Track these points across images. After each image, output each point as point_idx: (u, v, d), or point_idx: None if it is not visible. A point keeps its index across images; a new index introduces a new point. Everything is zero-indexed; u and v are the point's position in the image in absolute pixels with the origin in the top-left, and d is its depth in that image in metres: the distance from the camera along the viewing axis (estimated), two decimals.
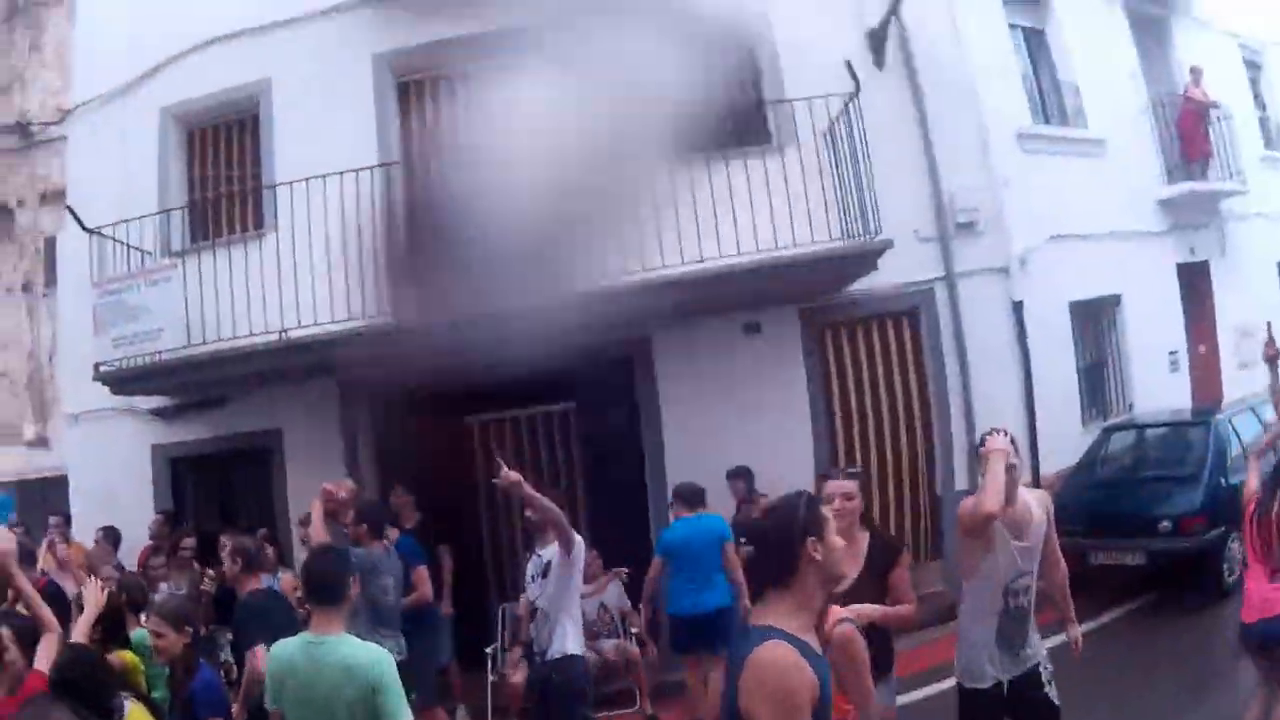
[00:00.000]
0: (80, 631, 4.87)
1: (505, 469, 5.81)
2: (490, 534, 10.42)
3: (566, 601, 6.04)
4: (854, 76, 8.74)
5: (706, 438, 9.50)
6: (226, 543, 7.54)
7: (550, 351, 9.01)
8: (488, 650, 8.74)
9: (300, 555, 8.13)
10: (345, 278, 8.95)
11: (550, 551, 6.05)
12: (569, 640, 5.99)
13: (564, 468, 10.48)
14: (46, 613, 4.79)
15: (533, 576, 6.25)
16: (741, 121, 9.90)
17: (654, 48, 8.70)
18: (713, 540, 7.77)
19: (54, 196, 11.86)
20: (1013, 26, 11.55)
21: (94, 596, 5.17)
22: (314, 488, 8.61)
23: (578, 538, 5.99)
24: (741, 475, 8.90)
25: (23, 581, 4.98)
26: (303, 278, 8.97)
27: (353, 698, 3.74)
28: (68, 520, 9.84)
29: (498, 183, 9.48)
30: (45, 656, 4.38)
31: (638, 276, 8.42)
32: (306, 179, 9.02)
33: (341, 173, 8.95)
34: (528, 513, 6.08)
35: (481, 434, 10.52)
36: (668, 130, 8.99)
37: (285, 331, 9.03)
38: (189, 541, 8.65)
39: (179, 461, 10.66)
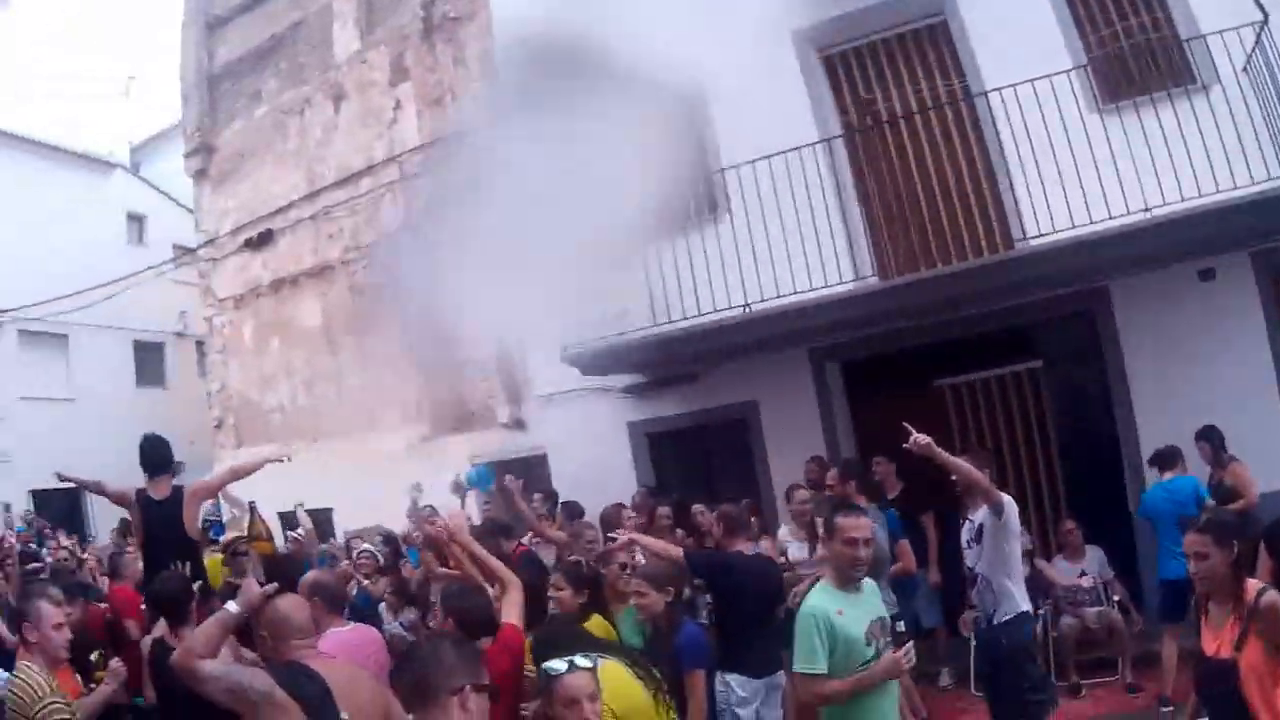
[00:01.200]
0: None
1: (915, 434, 5.77)
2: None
3: (1003, 564, 6.08)
4: (1260, 6, 8.38)
5: (1171, 392, 9.37)
6: (701, 509, 8.41)
7: (1011, 308, 9.63)
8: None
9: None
10: (804, 251, 9.51)
11: (981, 515, 6.17)
12: (1014, 600, 6.05)
13: (1037, 428, 10.49)
14: (502, 569, 5.36)
15: (968, 542, 6.40)
16: (1162, 64, 9.57)
17: None
18: (1180, 505, 7.75)
19: None
20: None
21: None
22: (793, 457, 8.96)
23: (1005, 498, 6.01)
24: (1207, 437, 8.68)
25: (469, 541, 5.62)
26: (761, 254, 9.73)
27: None
28: (549, 498, 10.35)
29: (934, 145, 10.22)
30: (514, 608, 4.98)
31: (1089, 228, 8.38)
32: (752, 161, 9.73)
33: (786, 152, 9.59)
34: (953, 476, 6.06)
35: (953, 396, 10.78)
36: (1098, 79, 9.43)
37: (749, 305, 9.73)
38: (664, 510, 9.44)
39: (656, 436, 11.78)
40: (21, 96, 24.32)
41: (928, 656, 8.68)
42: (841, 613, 4.61)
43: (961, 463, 5.94)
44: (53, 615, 5.07)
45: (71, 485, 9.04)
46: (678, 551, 6.82)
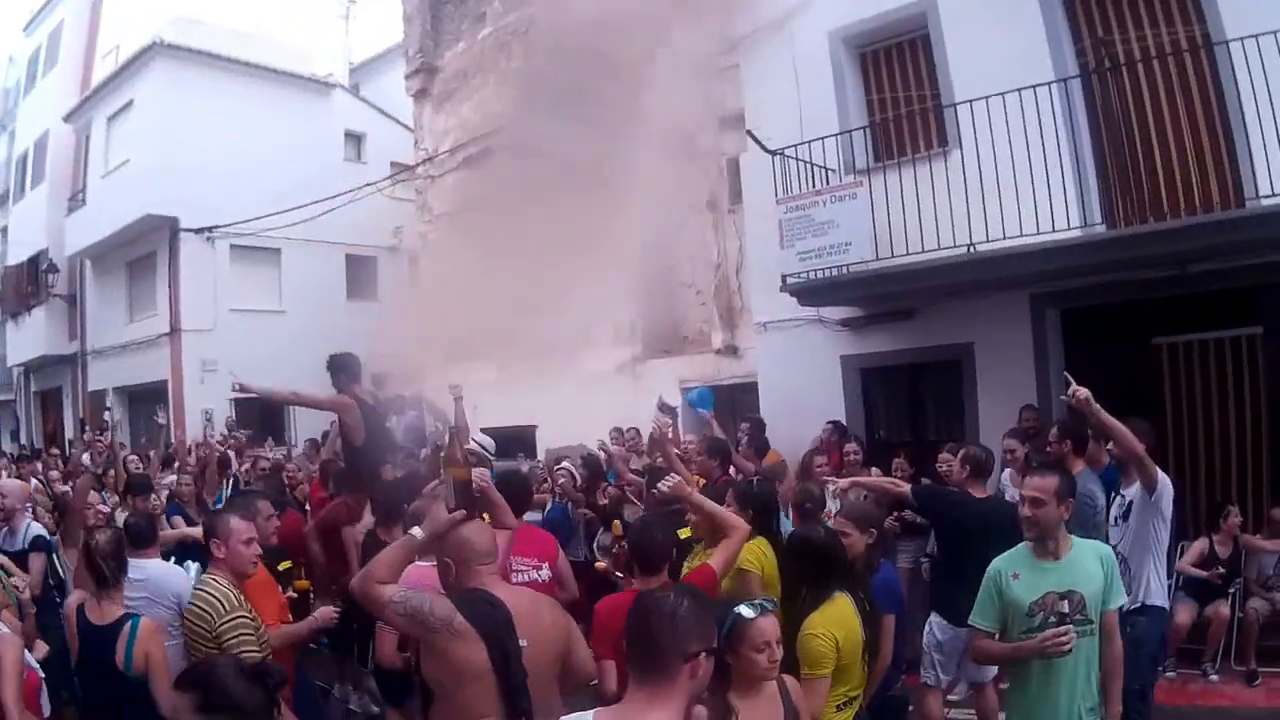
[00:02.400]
0: None
1: (1075, 385, 5.63)
2: (1175, 463, 10.12)
3: (1148, 547, 5.86)
4: None
5: None
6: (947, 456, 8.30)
7: (1237, 268, 9.32)
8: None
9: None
10: (1033, 193, 9.49)
11: (1133, 491, 5.94)
12: (1151, 592, 5.87)
13: (1250, 398, 10.07)
14: (728, 517, 5.45)
15: (1115, 519, 6.15)
16: None
17: None
18: None
19: (731, 120, 12.78)
20: None
21: None
22: (1006, 402, 8.94)
23: (1162, 476, 5.76)
24: None
25: (701, 501, 5.55)
26: (989, 193, 9.69)
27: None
28: (756, 425, 10.61)
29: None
30: (726, 552, 5.19)
31: None
32: (985, 97, 9.64)
33: (1020, 90, 9.47)
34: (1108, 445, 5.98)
35: (1170, 355, 10.50)
36: None
37: (973, 245, 9.83)
38: (852, 447, 9.76)
39: (868, 372, 11.95)
40: (244, 20, 25.36)
41: None
42: (1017, 576, 4.59)
43: (1122, 428, 5.71)
44: (241, 531, 5.19)
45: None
46: (904, 487, 7.02)
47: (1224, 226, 8.81)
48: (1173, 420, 10.32)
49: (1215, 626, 8.49)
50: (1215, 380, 10.28)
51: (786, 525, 6.78)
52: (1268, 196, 8.55)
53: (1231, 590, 8.67)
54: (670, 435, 8.94)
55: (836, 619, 4.50)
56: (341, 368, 8.66)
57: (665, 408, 11.81)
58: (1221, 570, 8.74)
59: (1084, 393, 5.56)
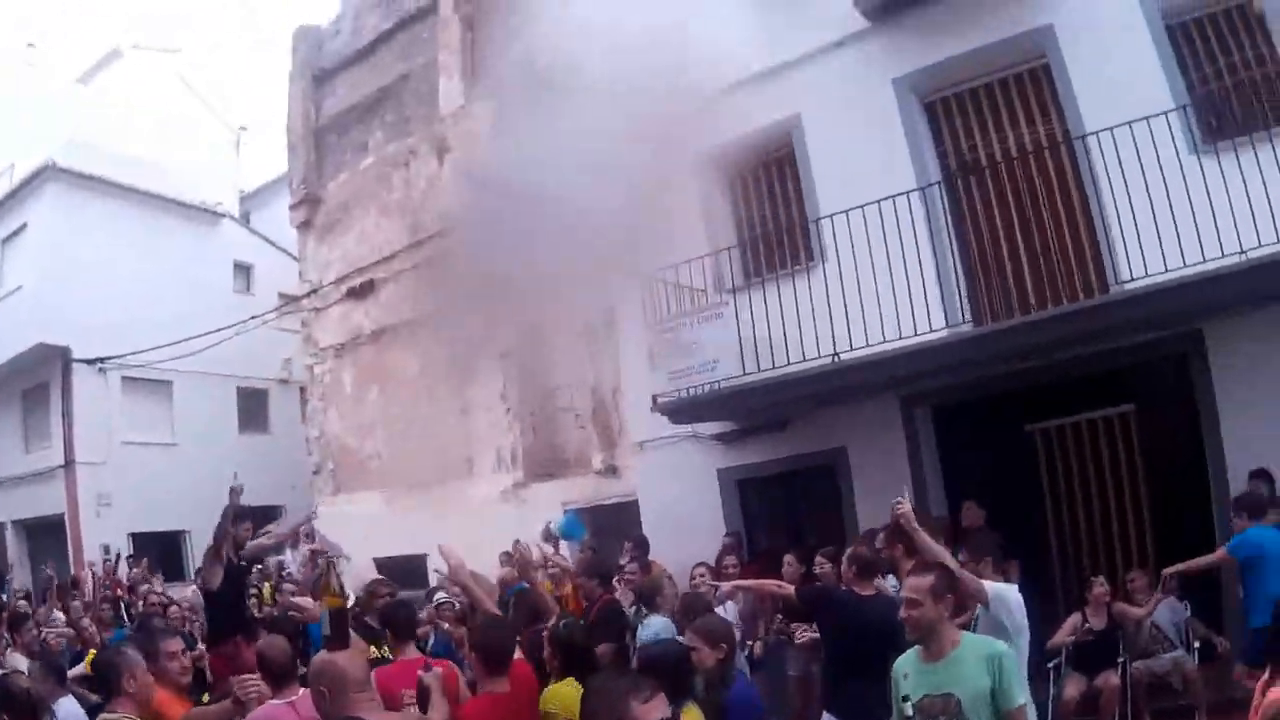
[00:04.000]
0: None
1: (902, 499, 5.96)
2: (1058, 545, 10.76)
3: None
4: None
5: (1265, 436, 9.18)
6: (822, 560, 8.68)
7: (1104, 351, 9.71)
8: (1050, 665, 9.02)
9: None
10: (895, 298, 9.78)
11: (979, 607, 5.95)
12: None
13: (1127, 474, 10.52)
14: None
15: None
16: (1266, 101, 9.66)
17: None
18: None
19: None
20: None
21: None
22: (883, 504, 9.25)
23: (1002, 589, 5.80)
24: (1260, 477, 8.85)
25: (464, 577, 6.16)
26: (856, 302, 9.93)
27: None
28: (640, 545, 10.77)
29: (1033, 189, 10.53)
30: None
31: (1181, 272, 8.56)
32: (847, 210, 10.06)
33: (879, 201, 9.90)
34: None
35: (1044, 441, 10.90)
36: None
37: (837, 354, 10.09)
38: (730, 560, 10.11)
39: (745, 483, 12.12)
40: (133, 148, 25.50)
41: None
42: (907, 676, 4.67)
43: (932, 548, 5.79)
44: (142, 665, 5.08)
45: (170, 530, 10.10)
46: (789, 589, 7.15)
47: (1086, 314, 9.14)
48: (1052, 504, 10.71)
49: (1106, 696, 8.62)
50: (1092, 460, 10.65)
51: None
52: (1130, 281, 8.95)
53: (1120, 659, 8.80)
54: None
55: None
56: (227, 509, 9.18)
57: (549, 535, 11.96)
58: (1091, 638, 8.95)
59: (903, 508, 5.83)
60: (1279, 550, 7.95)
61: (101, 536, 21.63)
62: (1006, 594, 5.84)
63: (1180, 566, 8.84)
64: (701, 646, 5.38)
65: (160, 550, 20.78)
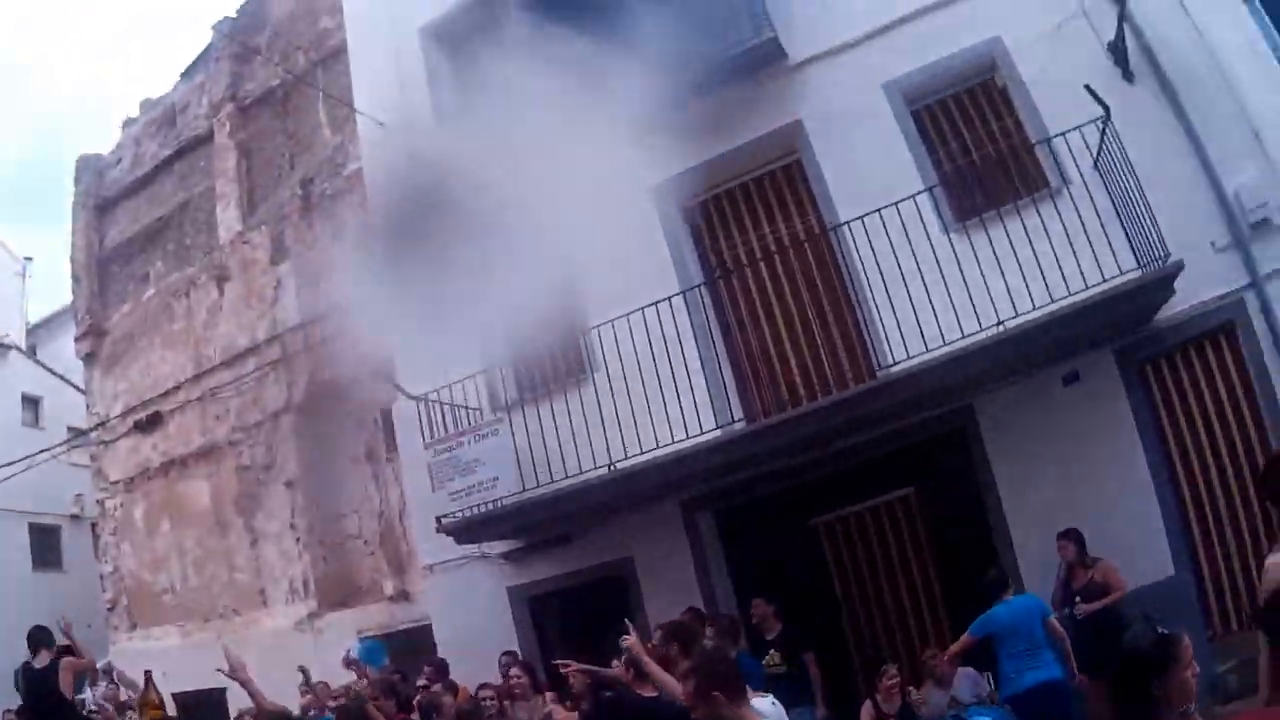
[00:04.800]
0: None
1: (628, 635, 6.35)
2: (853, 634, 10.87)
3: None
4: (1099, 100, 9.05)
5: (1046, 502, 9.69)
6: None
7: (880, 436, 10.07)
8: None
9: None
10: (664, 404, 9.91)
11: None
12: None
13: (914, 559, 10.77)
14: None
15: None
16: (1014, 173, 10.33)
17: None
18: (1033, 616, 8.27)
19: (382, 370, 13.13)
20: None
21: None
22: (673, 609, 9.40)
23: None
24: (1071, 537, 9.16)
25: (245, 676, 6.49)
26: (632, 410, 10.06)
27: None
28: (441, 667, 10.63)
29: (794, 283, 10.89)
30: None
31: (946, 349, 8.94)
32: (613, 320, 10.28)
33: (644, 308, 10.11)
34: None
35: (828, 533, 11.07)
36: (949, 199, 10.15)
37: (614, 464, 10.16)
38: (515, 672, 9.68)
39: (536, 600, 12.01)
40: None
41: None
42: None
43: (659, 674, 6.04)
44: None
45: None
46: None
47: (854, 401, 9.40)
48: (844, 592, 10.86)
49: None
50: (879, 545, 10.86)
51: None
52: (892, 365, 9.29)
53: None
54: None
55: None
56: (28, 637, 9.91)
57: (351, 662, 11.75)
58: None
59: (629, 641, 6.16)
60: (1014, 621, 8.34)
61: None
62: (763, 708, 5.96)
63: (947, 654, 9.15)
64: None
65: None
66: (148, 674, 11.27)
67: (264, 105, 17.62)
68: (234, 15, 18.49)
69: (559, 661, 6.39)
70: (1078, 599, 8.82)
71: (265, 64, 17.26)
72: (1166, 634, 3.19)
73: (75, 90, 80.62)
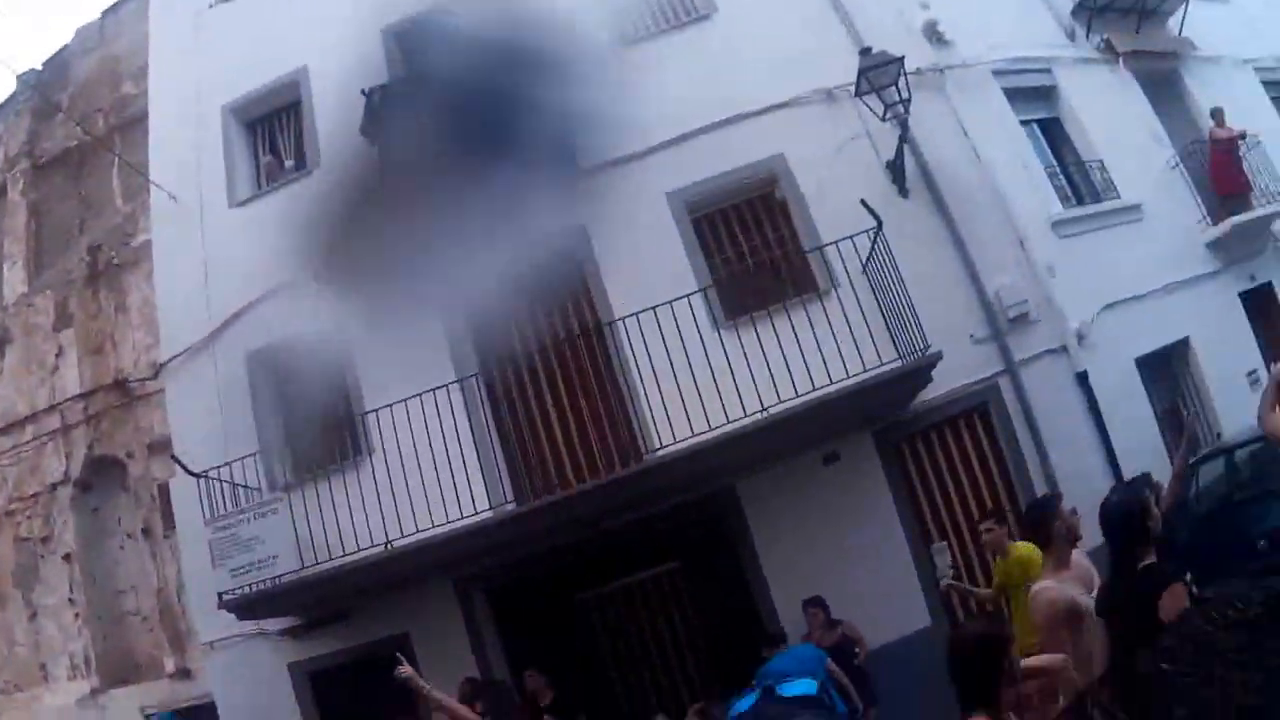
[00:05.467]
0: None
1: (401, 665, 6.99)
2: (625, 700, 11.45)
3: None
4: (872, 213, 10.07)
5: (806, 574, 10.46)
6: None
7: (647, 516, 10.58)
8: None
9: None
10: (439, 484, 10.29)
11: None
12: None
13: (681, 628, 11.47)
14: None
15: None
16: (788, 274, 11.29)
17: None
18: (813, 660, 8.58)
19: (159, 446, 13.10)
20: (1025, 122, 12.53)
21: None
22: (449, 683, 9.67)
23: None
24: (818, 604, 10.02)
25: None
26: (404, 490, 10.44)
27: None
28: None
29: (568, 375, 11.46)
30: None
31: (709, 435, 9.64)
32: (390, 405, 10.55)
33: (421, 394, 10.48)
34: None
35: (596, 605, 11.62)
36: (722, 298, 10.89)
37: (390, 543, 10.45)
38: None
39: (316, 675, 12.02)
40: None
41: None
42: None
43: (439, 697, 7.05)
44: None
45: None
46: None
47: (620, 484, 9.91)
48: (615, 662, 11.44)
49: None
50: (646, 617, 11.47)
51: None
52: (659, 449, 9.91)
53: None
54: None
55: None
56: None
57: None
58: None
59: (406, 671, 6.90)
60: (785, 665, 8.63)
61: None
62: None
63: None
64: None
65: None
66: None
67: (59, 165, 17.29)
68: (39, 68, 18.09)
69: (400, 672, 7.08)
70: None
71: (64, 123, 16.92)
72: None
73: None
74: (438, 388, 10.47)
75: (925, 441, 11.13)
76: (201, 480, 11.26)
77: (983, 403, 11.08)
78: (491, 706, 8.17)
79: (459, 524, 10.12)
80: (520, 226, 11.44)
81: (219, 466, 11.25)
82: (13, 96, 18.63)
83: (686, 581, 11.38)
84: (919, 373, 9.94)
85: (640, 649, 11.46)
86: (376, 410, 10.75)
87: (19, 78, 18.02)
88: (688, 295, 10.24)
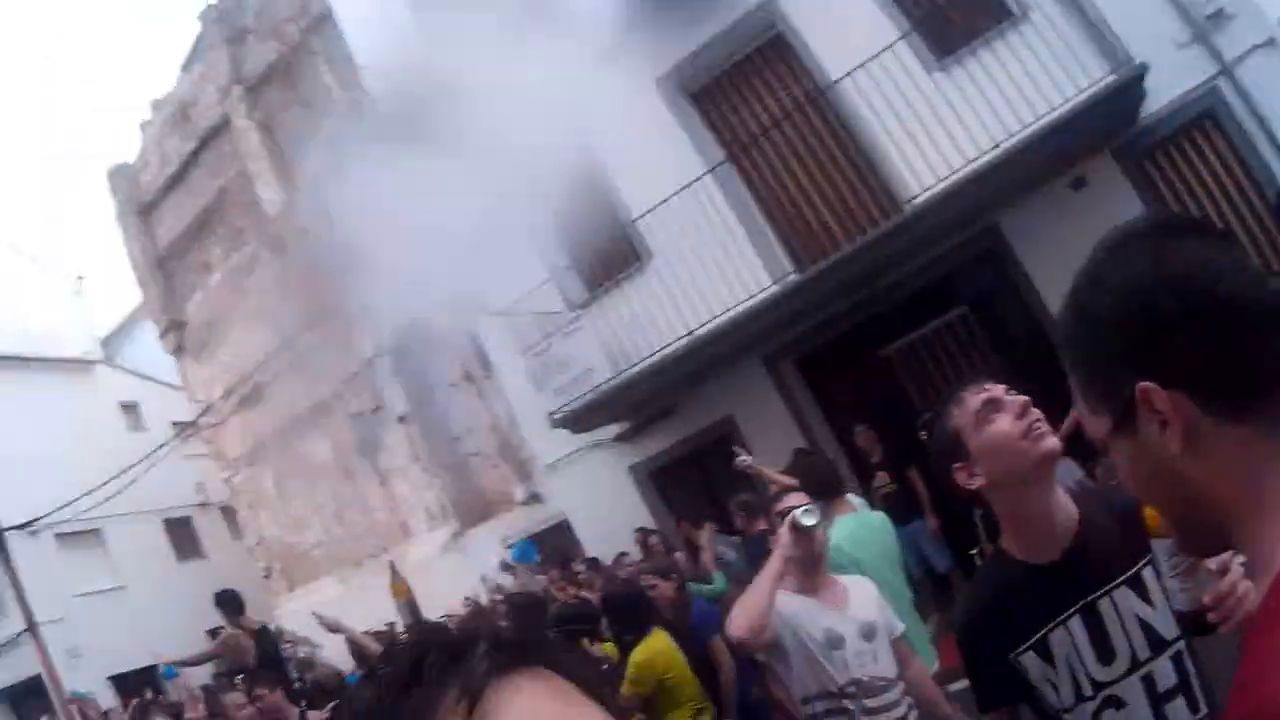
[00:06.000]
0: None
1: (740, 456, 7.53)
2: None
3: None
4: None
5: None
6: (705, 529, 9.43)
7: (920, 266, 10.75)
8: (972, 552, 9.56)
9: None
10: (719, 271, 10.79)
11: None
12: None
13: (981, 366, 11.17)
14: None
15: None
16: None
17: None
18: None
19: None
20: None
21: None
22: (780, 455, 10.03)
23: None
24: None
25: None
26: (689, 284, 10.91)
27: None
28: (591, 564, 11.50)
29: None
30: None
31: (957, 175, 9.58)
32: (652, 209, 11.03)
33: (680, 189, 10.81)
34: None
35: (900, 358, 11.65)
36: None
37: (691, 332, 10.97)
38: (654, 539, 11.06)
39: (655, 473, 12.93)
40: None
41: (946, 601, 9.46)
42: None
43: (775, 477, 6.95)
44: None
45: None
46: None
47: (891, 235, 10.04)
48: (922, 409, 11.49)
49: None
50: (947, 362, 11.46)
51: None
52: (911, 200, 9.96)
53: None
54: None
55: (652, 648, 5.65)
56: (224, 604, 10.10)
57: (506, 567, 12.68)
58: None
59: (745, 461, 7.18)
60: None
61: (82, 686, 21.95)
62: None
63: None
64: (658, 582, 6.80)
65: (140, 686, 21.03)
66: (390, 562, 12.20)
67: (269, 81, 18.12)
68: (215, 2, 18.90)
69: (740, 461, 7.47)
70: None
71: (259, 42, 17.67)
72: None
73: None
74: (693, 183, 10.76)
75: (1166, 156, 10.52)
76: (504, 318, 12.03)
77: (1209, 108, 10.46)
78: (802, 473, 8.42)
79: (748, 303, 10.56)
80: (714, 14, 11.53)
81: (515, 302, 11.97)
82: (201, 36, 19.58)
83: (979, 323, 11.37)
84: (1133, 83, 9.49)
85: (948, 396, 11.40)
86: (643, 216, 11.19)
87: (200, 18, 18.85)
88: (892, 44, 9.95)
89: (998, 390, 2.46)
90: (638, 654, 5.67)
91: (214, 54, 18.93)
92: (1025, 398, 2.41)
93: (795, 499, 4.38)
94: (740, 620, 3.78)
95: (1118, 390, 1.19)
